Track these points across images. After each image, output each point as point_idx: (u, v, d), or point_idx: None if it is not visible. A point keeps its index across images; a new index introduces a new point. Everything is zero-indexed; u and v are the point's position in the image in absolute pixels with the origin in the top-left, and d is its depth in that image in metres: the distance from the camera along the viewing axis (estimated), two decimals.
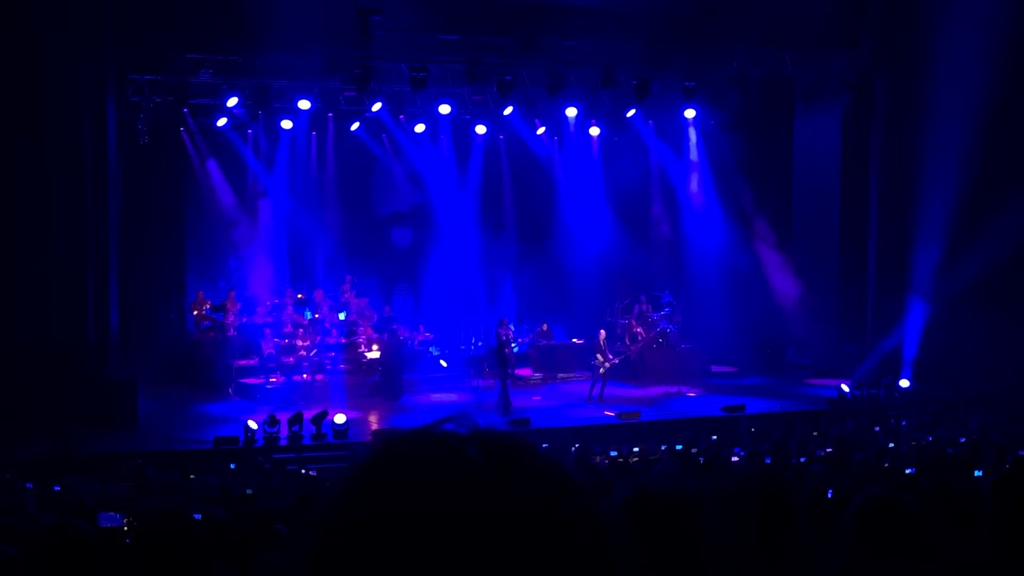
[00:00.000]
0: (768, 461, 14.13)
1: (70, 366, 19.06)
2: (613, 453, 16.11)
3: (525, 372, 24.88)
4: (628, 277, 26.92)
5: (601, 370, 22.50)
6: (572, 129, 27.17)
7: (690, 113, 26.52)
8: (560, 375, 25.03)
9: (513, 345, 22.37)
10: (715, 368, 25.76)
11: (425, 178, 27.03)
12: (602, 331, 23.24)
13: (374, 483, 1.12)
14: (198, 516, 7.07)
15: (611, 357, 22.64)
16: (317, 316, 24.62)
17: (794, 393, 23.54)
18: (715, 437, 17.99)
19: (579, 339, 25.77)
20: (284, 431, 18.72)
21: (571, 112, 26.11)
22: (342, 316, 24.73)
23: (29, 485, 13.54)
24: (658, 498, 2.98)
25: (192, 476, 14.95)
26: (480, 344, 25.60)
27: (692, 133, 27.42)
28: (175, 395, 22.32)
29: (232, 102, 22.76)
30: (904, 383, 23.05)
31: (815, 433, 17.81)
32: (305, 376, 22.87)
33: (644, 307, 26.42)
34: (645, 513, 2.94)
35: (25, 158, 19.14)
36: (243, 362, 23.50)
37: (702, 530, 2.93)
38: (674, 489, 3.03)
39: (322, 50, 21.41)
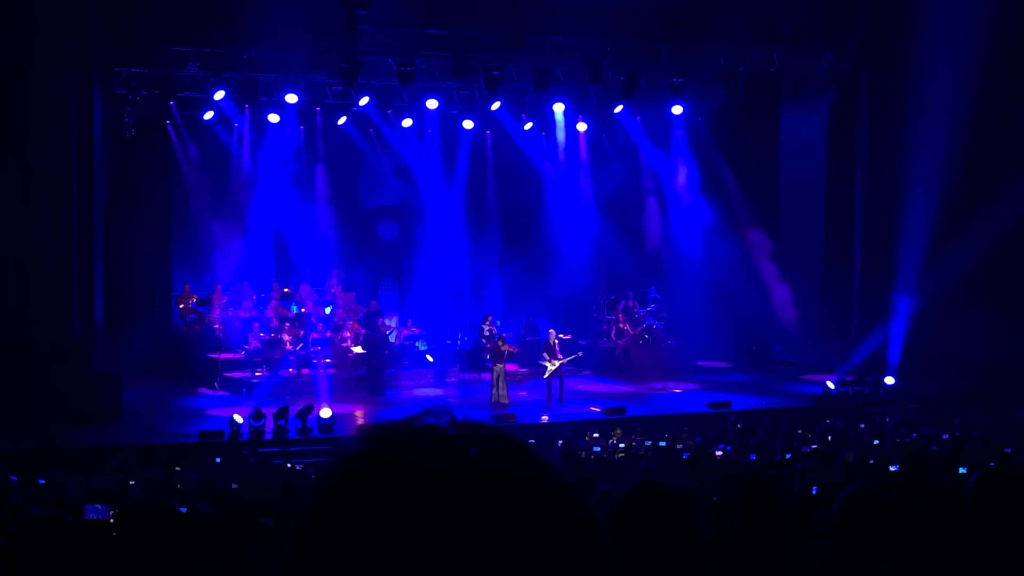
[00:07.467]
0: (753, 458, 14.17)
1: (55, 359, 18.95)
2: (597, 449, 16.14)
3: (511, 367, 24.79)
4: (615, 273, 26.94)
5: (548, 370, 21.91)
6: (559, 124, 27.13)
7: (677, 109, 26.48)
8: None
9: (498, 339, 22.27)
10: (701, 364, 25.80)
11: (412, 172, 26.99)
12: (552, 330, 22.93)
13: (353, 478, 1.13)
14: (183, 510, 7.05)
15: (561, 357, 22.12)
16: (303, 310, 24.57)
17: (780, 390, 23.58)
18: (700, 438, 18.00)
19: (566, 335, 25.76)
20: (270, 425, 18.69)
21: (558, 107, 26.10)
22: (328, 310, 24.69)
23: (13, 478, 13.50)
24: (657, 493, 2.99)
25: (177, 469, 14.93)
26: (465, 339, 25.57)
27: (679, 129, 27.40)
28: (160, 388, 22.27)
29: (219, 95, 22.69)
30: (889, 380, 23.12)
31: (800, 430, 17.86)
32: (291, 370, 22.82)
33: (631, 303, 26.45)
34: (643, 507, 2.95)
35: (9, 149, 19.02)
36: (229, 356, 23.41)
37: (694, 526, 2.94)
38: (671, 485, 3.05)
39: (309, 44, 21.35)
